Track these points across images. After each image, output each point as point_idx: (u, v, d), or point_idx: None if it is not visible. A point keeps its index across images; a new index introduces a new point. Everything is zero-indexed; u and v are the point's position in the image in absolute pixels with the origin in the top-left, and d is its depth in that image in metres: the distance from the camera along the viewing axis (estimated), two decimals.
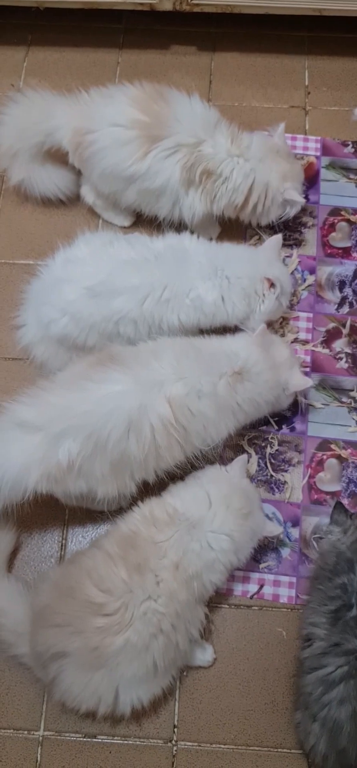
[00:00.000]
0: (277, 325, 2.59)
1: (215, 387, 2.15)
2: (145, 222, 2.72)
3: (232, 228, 2.68)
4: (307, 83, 3.04)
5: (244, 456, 2.27)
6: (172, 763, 2.12)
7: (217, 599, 2.26)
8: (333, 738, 1.90)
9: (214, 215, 2.57)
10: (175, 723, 2.16)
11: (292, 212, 2.59)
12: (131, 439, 2.05)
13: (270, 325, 2.56)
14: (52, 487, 2.09)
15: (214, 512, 2.07)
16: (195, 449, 2.18)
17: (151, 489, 2.18)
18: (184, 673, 2.20)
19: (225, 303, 2.34)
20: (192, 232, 2.48)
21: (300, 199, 2.55)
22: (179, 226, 2.54)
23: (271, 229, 2.70)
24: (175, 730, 2.16)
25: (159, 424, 2.07)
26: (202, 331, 2.42)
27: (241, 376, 2.19)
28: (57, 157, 2.68)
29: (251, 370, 2.21)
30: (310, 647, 1.98)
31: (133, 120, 2.45)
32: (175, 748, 2.14)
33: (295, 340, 2.59)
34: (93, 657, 1.93)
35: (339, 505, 2.16)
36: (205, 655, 2.20)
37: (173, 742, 2.14)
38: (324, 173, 2.86)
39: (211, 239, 2.56)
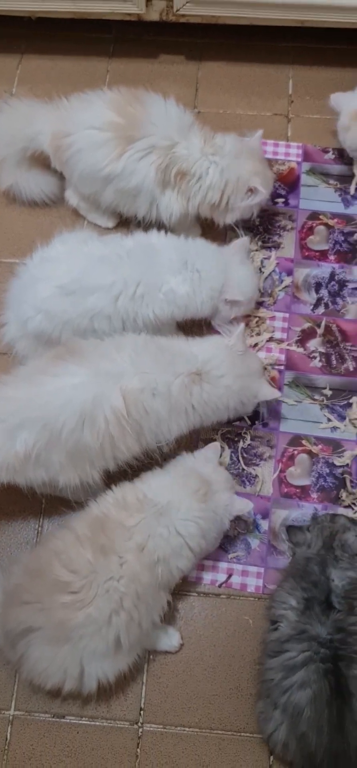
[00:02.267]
0: (254, 324, 2.65)
1: (170, 387, 2.21)
2: (129, 224, 2.81)
3: (213, 230, 2.75)
4: (290, 92, 3.11)
5: (217, 444, 2.34)
6: (138, 744, 2.17)
7: (185, 587, 2.31)
8: (293, 723, 1.93)
9: (191, 216, 2.62)
10: (142, 706, 2.21)
11: (254, 201, 2.63)
12: (86, 429, 2.13)
13: (247, 324, 2.62)
14: (12, 476, 2.18)
15: (177, 497, 2.14)
16: (150, 443, 2.24)
17: (128, 476, 2.26)
18: (151, 657, 2.24)
19: (196, 296, 2.41)
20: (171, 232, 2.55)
21: (263, 190, 2.60)
22: (159, 228, 2.59)
23: (250, 229, 2.79)
24: (142, 712, 2.21)
25: (112, 416, 2.14)
26: (180, 327, 2.48)
27: (200, 378, 2.24)
28: (41, 162, 2.78)
29: (211, 373, 2.27)
30: (276, 631, 2.02)
31: (108, 122, 2.55)
32: (140, 730, 2.19)
33: (271, 339, 2.65)
34: (58, 631, 2.00)
35: (291, 529, 2.21)
36: (171, 640, 2.25)
37: (139, 724, 2.19)
38: (304, 178, 2.94)
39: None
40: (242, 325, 2.38)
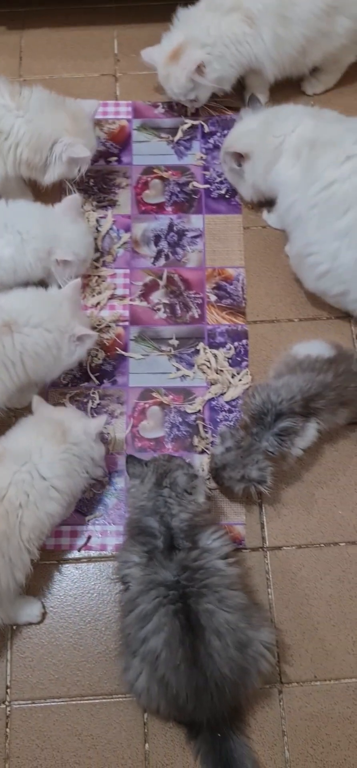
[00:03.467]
0: (94, 283, 2.60)
1: None
2: None
3: (47, 194, 2.67)
4: (116, 51, 3.08)
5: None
6: (7, 723, 2.10)
7: (45, 557, 2.25)
8: (152, 668, 1.92)
9: (13, 178, 2.54)
10: (8, 683, 2.14)
11: (83, 169, 2.57)
12: None
13: (87, 284, 2.57)
14: None
15: (36, 444, 2.09)
16: None
17: None
18: (14, 632, 2.18)
19: (22, 258, 2.35)
20: None
21: (84, 153, 2.52)
22: None
23: (85, 190, 2.76)
24: (8, 690, 2.13)
25: None
26: None
27: (9, 329, 2.19)
28: None
29: (19, 322, 2.21)
30: (127, 591, 2.00)
31: None
32: (8, 709, 2.11)
33: (113, 296, 2.61)
34: None
35: (130, 458, 2.17)
36: (33, 610, 2.20)
37: (6, 703, 2.12)
38: (136, 135, 2.91)
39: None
40: (79, 279, 2.35)
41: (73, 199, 2.49)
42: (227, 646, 1.89)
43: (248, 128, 2.61)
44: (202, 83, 2.75)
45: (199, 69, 2.71)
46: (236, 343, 2.53)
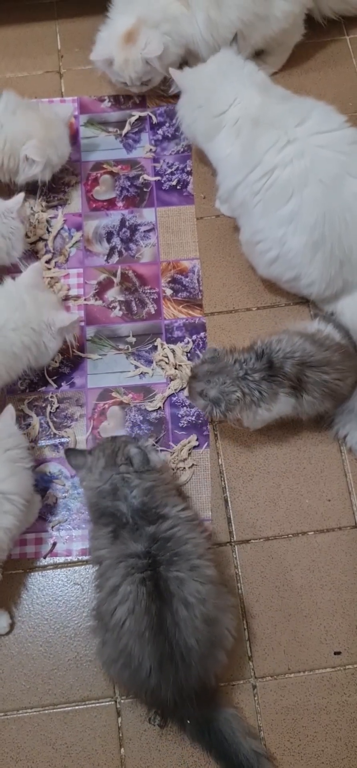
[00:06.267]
0: (47, 285, 2.56)
1: None
2: None
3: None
4: (59, 47, 3.03)
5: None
6: None
7: (10, 566, 2.22)
8: (117, 637, 1.90)
9: None
10: None
11: (34, 171, 2.55)
12: None
13: None
14: None
15: None
16: None
17: None
18: None
19: None
20: None
21: (37, 157, 2.50)
22: None
23: (33, 191, 2.71)
24: None
25: None
26: None
27: None
28: None
29: None
30: (99, 567, 1.99)
31: None
32: None
33: (67, 297, 2.57)
34: None
35: (69, 451, 2.14)
36: (0, 621, 2.17)
37: None
38: (83, 131, 2.88)
39: None
40: (37, 263, 2.36)
41: (16, 199, 2.45)
42: (195, 617, 1.87)
43: (204, 67, 2.58)
44: (158, 67, 2.71)
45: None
46: (194, 336, 2.51)
